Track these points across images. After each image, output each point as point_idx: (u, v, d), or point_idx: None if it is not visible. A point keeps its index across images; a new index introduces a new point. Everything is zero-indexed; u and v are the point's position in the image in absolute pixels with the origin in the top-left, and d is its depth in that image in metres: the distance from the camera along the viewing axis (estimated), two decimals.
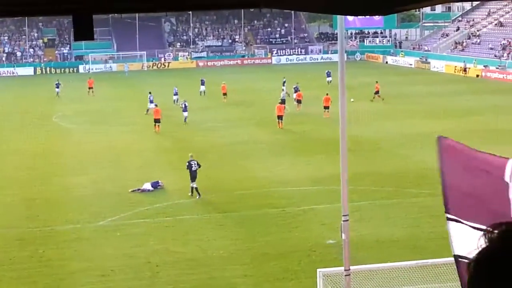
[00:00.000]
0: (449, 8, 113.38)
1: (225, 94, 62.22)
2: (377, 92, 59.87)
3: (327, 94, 51.27)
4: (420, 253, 22.51)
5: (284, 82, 64.00)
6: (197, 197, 30.96)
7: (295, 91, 58.05)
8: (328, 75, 71.41)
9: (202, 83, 66.14)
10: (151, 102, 54.77)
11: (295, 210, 28.97)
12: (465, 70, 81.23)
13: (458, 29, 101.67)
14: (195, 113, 52.45)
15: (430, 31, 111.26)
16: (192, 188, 31.26)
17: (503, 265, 1.58)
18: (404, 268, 19.35)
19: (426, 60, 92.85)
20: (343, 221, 18.73)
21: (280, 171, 35.38)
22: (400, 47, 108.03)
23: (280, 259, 23.77)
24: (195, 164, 31.29)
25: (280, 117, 47.95)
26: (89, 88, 69.51)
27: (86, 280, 22.45)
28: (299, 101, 56.06)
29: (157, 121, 47.61)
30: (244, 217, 28.30)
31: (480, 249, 1.63)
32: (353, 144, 31.56)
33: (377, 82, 61.35)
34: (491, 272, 1.57)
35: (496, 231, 1.64)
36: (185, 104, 51.26)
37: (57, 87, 68.92)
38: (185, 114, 50.79)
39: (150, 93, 56.70)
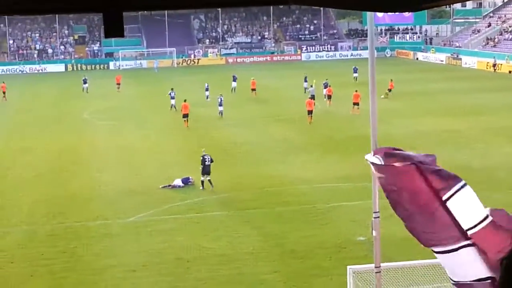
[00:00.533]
0: (480, 4, 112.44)
1: (253, 89, 62.31)
2: (390, 90, 58.82)
3: (356, 91, 51.10)
4: None
5: (306, 78, 64.06)
6: (210, 188, 31.78)
7: (325, 87, 58.10)
8: (355, 71, 71.26)
9: (234, 80, 66.16)
10: (173, 98, 55.36)
11: (324, 206, 28.90)
12: (494, 66, 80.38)
13: (489, 25, 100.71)
14: (225, 110, 52.49)
15: (461, 27, 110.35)
16: (202, 181, 32.02)
17: None
18: (435, 266, 19.19)
19: (457, 56, 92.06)
20: (374, 218, 18.60)
21: (309, 167, 35.30)
22: (431, 43, 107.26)
23: (310, 255, 23.73)
24: (208, 159, 32.09)
25: (310, 112, 48.26)
26: (117, 84, 70.24)
27: (117, 275, 22.59)
28: (329, 97, 56.28)
29: (185, 116, 48.11)
30: (274, 213, 28.27)
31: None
32: (381, 141, 31.33)
33: (391, 80, 60.46)
34: None
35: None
36: (221, 99, 52.04)
37: (85, 83, 69.61)
38: (221, 108, 51.68)
39: (172, 89, 57.00)
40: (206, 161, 32.06)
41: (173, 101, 55.14)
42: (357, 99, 50.47)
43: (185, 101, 49.15)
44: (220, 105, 51.78)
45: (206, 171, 32.06)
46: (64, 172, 36.09)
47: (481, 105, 53.28)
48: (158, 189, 32.06)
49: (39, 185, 33.66)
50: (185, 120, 48.13)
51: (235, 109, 54.84)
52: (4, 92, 64.70)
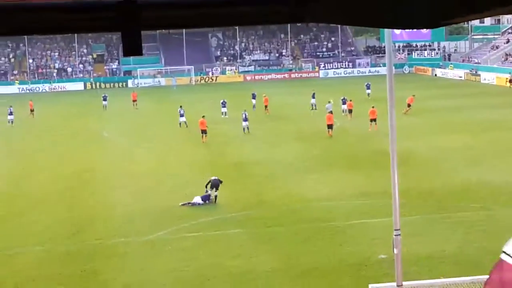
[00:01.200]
0: (499, 20, 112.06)
1: (266, 106, 62.50)
2: (409, 105, 58.98)
3: (373, 107, 51.03)
4: (473, 269, 22.09)
5: (314, 94, 64.27)
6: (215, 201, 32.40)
7: (343, 103, 58.79)
8: (368, 87, 71.56)
9: (253, 97, 66.22)
10: (182, 116, 55.73)
11: (344, 224, 28.73)
12: (510, 81, 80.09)
13: (508, 41, 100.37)
14: (241, 126, 52.53)
15: (479, 43, 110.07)
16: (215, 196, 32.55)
17: None
18: (458, 284, 19.00)
19: (476, 72, 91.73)
20: (395, 235, 18.51)
21: (329, 184, 35.17)
22: (449, 59, 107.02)
23: (331, 273, 23.56)
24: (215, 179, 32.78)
25: (330, 126, 48.96)
26: (133, 101, 70.81)
27: None
28: (350, 111, 57.38)
29: (204, 132, 48.49)
30: (293, 231, 28.14)
31: None
32: (400, 157, 31.21)
33: (413, 95, 60.73)
34: None
35: None
36: (245, 114, 52.74)
37: (104, 100, 70.22)
38: (245, 124, 52.21)
39: (181, 106, 57.36)
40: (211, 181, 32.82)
41: (182, 118, 55.57)
42: (374, 115, 50.41)
43: (203, 117, 49.29)
44: (245, 120, 52.31)
45: (213, 185, 32.58)
46: (83, 190, 36.16)
47: (500, 121, 52.96)
48: (178, 206, 32.02)
49: (57, 203, 33.73)
50: (203, 136, 48.31)
51: (253, 126, 54.85)
52: (32, 110, 65.35)
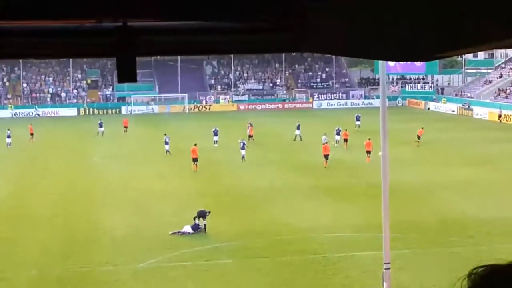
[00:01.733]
0: (492, 54, 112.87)
1: (250, 136, 62.83)
2: (419, 137, 60.23)
3: (369, 139, 51.12)
4: None
5: (299, 126, 64.66)
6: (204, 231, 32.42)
7: (337, 134, 59.70)
8: (358, 119, 72.13)
9: (251, 126, 65.80)
10: (167, 143, 56.31)
11: (335, 256, 28.61)
12: (500, 117, 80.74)
13: (501, 75, 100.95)
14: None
15: (472, 77, 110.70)
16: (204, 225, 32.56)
17: None
18: None
19: (468, 107, 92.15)
20: (385, 269, 18.45)
21: (321, 216, 35.08)
22: (442, 93, 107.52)
23: None
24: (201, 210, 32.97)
25: (326, 156, 49.57)
26: (125, 127, 71.19)
27: None
28: (345, 140, 58.94)
29: (195, 160, 48.55)
30: (283, 262, 28.01)
31: None
32: (392, 190, 31.18)
33: (422, 128, 62.04)
34: None
35: (479, 273, 1.64)
36: (243, 143, 53.39)
37: (101, 127, 70.28)
38: (243, 152, 52.61)
39: (165, 134, 57.83)
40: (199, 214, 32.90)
41: (167, 146, 56.20)
42: (369, 147, 50.55)
43: (195, 145, 49.31)
44: (243, 148, 52.82)
45: (200, 213, 32.71)
46: (75, 216, 36.00)
47: (492, 155, 53.11)
48: (168, 235, 31.85)
49: (49, 227, 33.57)
50: (194, 164, 48.28)
51: (246, 156, 54.84)
52: (31, 134, 65.59)
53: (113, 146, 62.10)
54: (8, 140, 62.25)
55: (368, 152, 50.64)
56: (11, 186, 44.35)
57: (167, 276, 26.54)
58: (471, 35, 2.54)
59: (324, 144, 51.93)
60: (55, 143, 65.07)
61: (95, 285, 25.71)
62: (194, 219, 32.56)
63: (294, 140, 63.37)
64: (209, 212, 32.87)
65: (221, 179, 45.53)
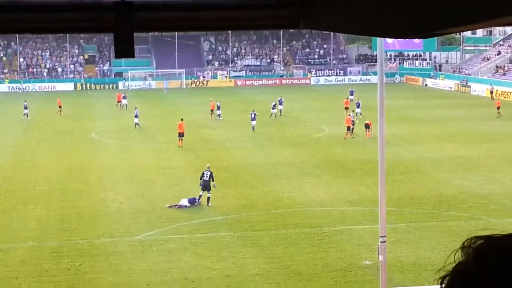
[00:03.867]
0: (490, 32, 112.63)
1: (212, 111, 62.96)
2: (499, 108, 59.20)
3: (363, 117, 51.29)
4: None
5: (281, 100, 64.63)
6: (207, 204, 32.41)
7: (357, 107, 60.86)
8: (351, 93, 72.34)
9: (273, 107, 64.96)
10: (136, 116, 57.56)
11: (331, 230, 28.85)
12: (491, 93, 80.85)
13: (499, 53, 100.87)
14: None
15: (471, 54, 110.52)
16: (208, 198, 32.50)
17: (474, 283, 1.52)
18: None
19: (466, 83, 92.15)
20: (381, 242, 18.66)
21: (318, 190, 35.28)
22: (440, 70, 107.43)
23: (316, 278, 23.67)
24: (207, 174, 32.89)
25: (348, 128, 50.89)
26: (118, 101, 71.45)
27: None
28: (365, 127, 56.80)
29: (181, 135, 48.52)
30: (280, 236, 28.24)
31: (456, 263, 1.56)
32: (389, 166, 31.37)
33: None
34: None
35: (472, 246, 1.57)
36: (254, 114, 55.20)
37: (125, 98, 70.58)
38: (253, 123, 54.93)
39: (135, 108, 59.19)
40: (204, 175, 32.88)
41: (136, 120, 57.39)
42: (349, 123, 51.47)
43: (181, 120, 49.42)
44: (253, 119, 55.00)
45: (203, 186, 32.67)
46: (72, 190, 36.13)
47: (489, 132, 53.28)
48: (165, 208, 32.07)
49: (46, 201, 33.70)
50: (180, 139, 48.41)
51: (243, 130, 54.99)
52: (60, 107, 66.74)
53: (111, 123, 62.13)
54: (25, 111, 64.07)
55: (348, 128, 51.07)
56: (15, 158, 44.45)
57: (164, 249, 26.76)
58: (470, 12, 2.57)
59: (347, 116, 52.67)
60: (81, 116, 65.03)
61: (92, 257, 25.93)
62: (201, 179, 32.70)
63: (271, 116, 62.34)
64: (212, 175, 32.89)
65: (220, 153, 45.65)
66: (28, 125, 60.49)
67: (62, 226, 29.68)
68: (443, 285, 1.54)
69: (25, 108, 64.47)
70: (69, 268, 24.77)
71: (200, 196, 32.75)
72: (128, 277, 23.89)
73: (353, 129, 50.88)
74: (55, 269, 24.64)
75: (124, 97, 72.12)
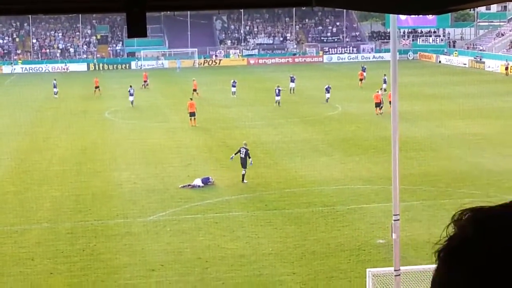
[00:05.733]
0: (505, 7, 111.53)
1: (195, 90, 62.33)
2: None
3: (377, 91, 51.04)
4: None
5: (292, 77, 64.17)
6: (242, 181, 32.76)
7: (384, 82, 59.89)
8: (363, 70, 71.87)
9: (292, 80, 64.72)
10: (131, 95, 58.40)
11: (344, 208, 28.81)
12: (506, 69, 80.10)
13: None
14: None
15: (485, 30, 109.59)
16: (243, 175, 32.93)
17: (479, 251, 1.47)
18: None
19: (480, 59, 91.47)
20: (394, 220, 18.57)
21: (331, 169, 35.22)
22: (454, 46, 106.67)
23: (329, 257, 23.66)
24: (243, 151, 33.24)
25: (377, 104, 50.84)
26: (144, 81, 70.99)
27: (136, 274, 22.65)
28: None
29: (192, 114, 48.23)
30: (293, 215, 28.24)
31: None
32: (402, 144, 31.23)
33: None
34: (466, 259, 1.46)
35: (465, 217, 1.52)
36: (279, 89, 56.33)
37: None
38: (278, 98, 55.86)
39: (131, 86, 59.69)
40: (240, 152, 33.33)
41: (131, 98, 58.15)
42: (378, 99, 50.59)
43: (191, 99, 49.30)
44: (278, 95, 56.07)
45: (241, 163, 33.02)
46: (86, 170, 36.27)
47: (503, 108, 52.93)
48: (178, 188, 32.11)
49: (61, 182, 33.85)
50: (191, 119, 48.28)
51: (256, 108, 54.88)
52: (96, 87, 66.41)
53: (124, 103, 62.19)
54: (55, 90, 65.35)
55: (377, 104, 50.63)
56: (31, 138, 44.61)
57: (177, 229, 26.82)
58: None
59: (376, 92, 52.51)
60: (94, 96, 65.17)
61: (106, 238, 26.03)
62: (238, 154, 33.15)
63: (290, 93, 62.41)
64: (251, 162, 33.15)
65: (234, 133, 45.59)
66: (56, 103, 61.03)
67: (77, 207, 29.80)
68: (443, 259, 1.48)
69: (55, 87, 65.59)
70: (83, 249, 24.89)
71: (243, 175, 32.92)
72: (142, 257, 23.98)
73: (382, 106, 50.46)
74: (70, 250, 24.77)
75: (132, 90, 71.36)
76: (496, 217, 1.47)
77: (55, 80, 67.74)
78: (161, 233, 26.46)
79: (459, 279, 1.44)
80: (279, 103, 55.65)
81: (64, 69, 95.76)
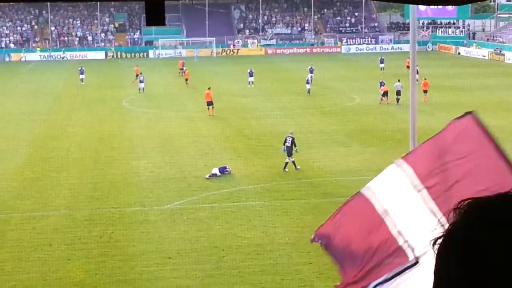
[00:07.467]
0: None
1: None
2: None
3: (425, 79, 52.38)
4: None
5: (311, 69, 63.98)
6: (295, 169, 32.99)
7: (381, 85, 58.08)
8: (381, 61, 71.35)
9: (311, 71, 64.49)
10: (141, 82, 59.41)
11: None
12: None
13: None
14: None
15: (505, 22, 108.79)
16: (286, 163, 33.09)
17: (462, 237, 1.49)
18: None
19: (500, 52, 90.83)
20: None
21: (349, 159, 35.18)
22: (474, 38, 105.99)
23: None
24: (289, 140, 33.73)
25: (385, 94, 51.49)
26: (180, 69, 72.18)
27: (153, 262, 22.76)
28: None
29: (209, 103, 48.25)
30: (310, 205, 28.24)
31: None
32: (421, 134, 31.01)
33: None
34: (454, 249, 1.48)
35: (463, 206, 1.53)
36: (311, 76, 58.46)
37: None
38: (308, 86, 57.11)
39: (141, 73, 61.16)
40: (286, 142, 33.79)
41: (141, 85, 59.17)
42: (426, 87, 51.98)
43: (209, 89, 49.31)
44: (307, 83, 57.29)
45: (287, 152, 33.36)
46: (104, 158, 36.46)
47: None
48: (196, 177, 32.16)
49: (79, 169, 34.05)
50: (208, 108, 48.28)
51: (274, 98, 54.84)
52: (137, 75, 64.48)
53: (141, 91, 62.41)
54: (81, 76, 66.08)
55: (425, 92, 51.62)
56: (51, 125, 44.88)
57: (194, 217, 26.90)
58: None
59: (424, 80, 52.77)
60: (112, 84, 65.39)
61: (124, 225, 26.17)
62: (284, 144, 33.65)
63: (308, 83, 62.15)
64: (297, 150, 33.61)
65: (250, 123, 45.61)
66: (83, 90, 61.81)
67: (94, 194, 29.96)
68: (445, 247, 1.52)
69: (81, 73, 66.26)
70: (101, 236, 25.03)
71: (286, 163, 33.07)
72: (159, 245, 24.08)
73: (398, 98, 50.46)
74: (88, 237, 24.91)
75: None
76: (484, 204, 1.48)
77: (82, 67, 68.33)
78: (178, 221, 26.56)
79: (450, 269, 1.46)
80: (309, 91, 56.43)
81: (82, 56, 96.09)
